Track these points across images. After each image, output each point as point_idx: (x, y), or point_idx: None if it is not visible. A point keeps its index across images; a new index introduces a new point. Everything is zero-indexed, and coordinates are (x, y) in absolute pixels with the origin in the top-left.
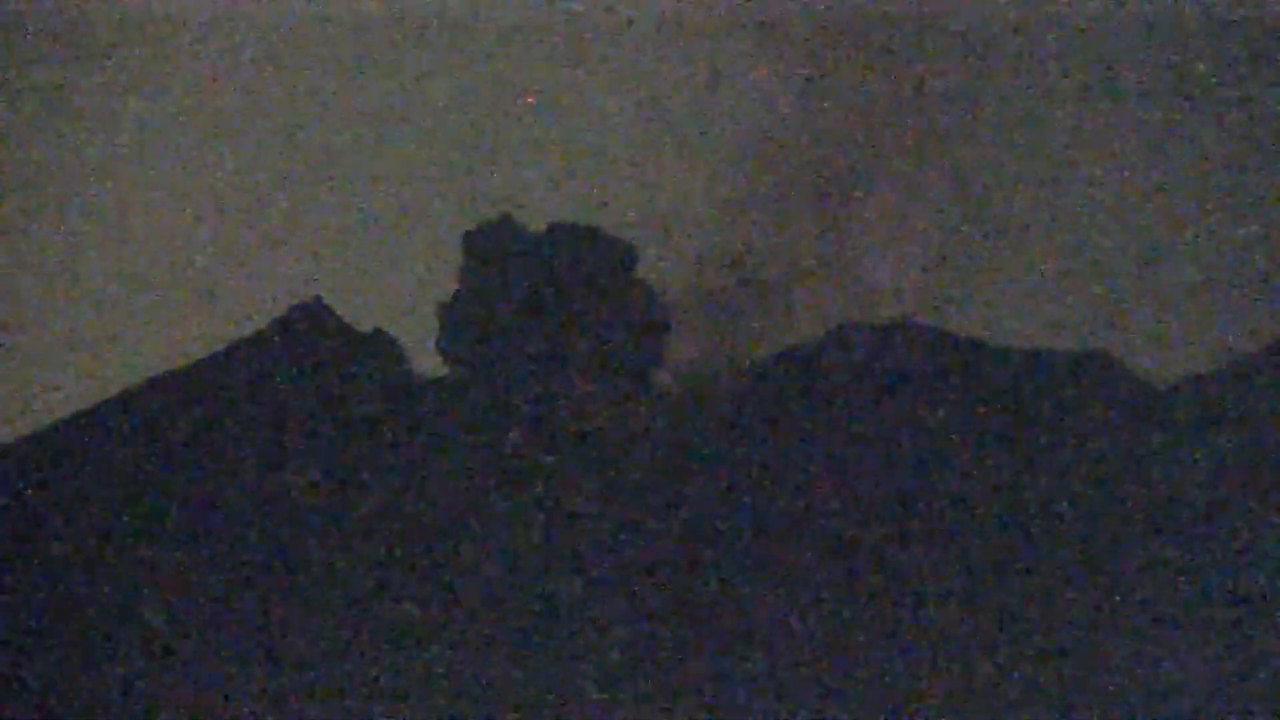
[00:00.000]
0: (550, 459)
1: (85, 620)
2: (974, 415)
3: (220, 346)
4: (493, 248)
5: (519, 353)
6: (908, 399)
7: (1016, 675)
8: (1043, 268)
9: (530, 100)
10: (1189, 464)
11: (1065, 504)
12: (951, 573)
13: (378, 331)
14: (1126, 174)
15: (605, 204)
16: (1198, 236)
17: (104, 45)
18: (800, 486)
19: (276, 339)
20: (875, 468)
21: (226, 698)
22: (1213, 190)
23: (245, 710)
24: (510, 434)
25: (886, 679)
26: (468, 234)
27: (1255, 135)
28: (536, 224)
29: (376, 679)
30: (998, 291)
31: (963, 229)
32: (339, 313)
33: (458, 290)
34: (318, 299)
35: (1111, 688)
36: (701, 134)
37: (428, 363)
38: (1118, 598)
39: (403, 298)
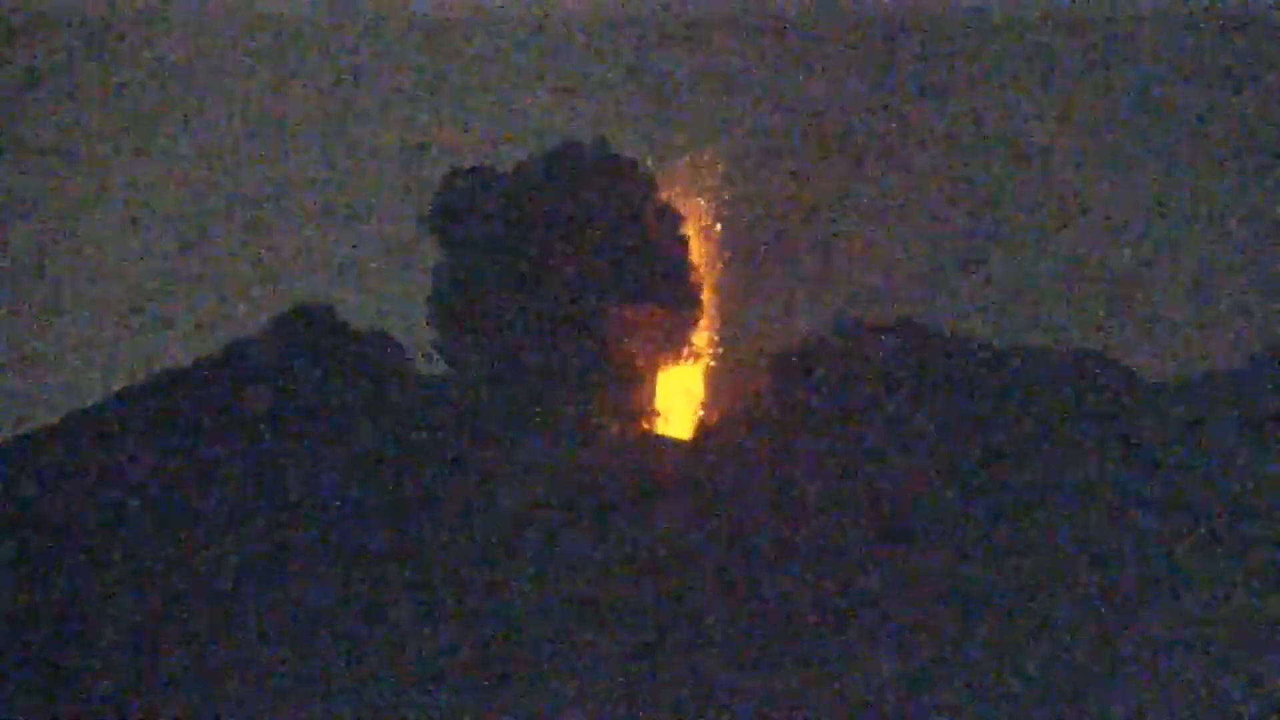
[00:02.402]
0: (554, 460)
1: (84, 620)
2: (973, 415)
3: (220, 346)
4: (477, 233)
5: (521, 349)
6: (907, 399)
7: (1015, 675)
8: (1042, 268)
9: (531, 100)
10: (1189, 464)
11: (1064, 504)
12: (949, 573)
13: (378, 331)
14: (1126, 174)
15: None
16: (1198, 236)
17: (104, 46)
18: (798, 485)
19: (276, 339)
20: (873, 467)
21: (224, 697)
22: (1212, 190)
23: (242, 710)
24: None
25: (885, 678)
26: (436, 216)
27: (1255, 135)
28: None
29: (373, 679)
30: (998, 291)
31: (963, 229)
32: (339, 313)
33: (442, 282)
34: (318, 299)
35: (1110, 688)
36: (700, 134)
37: (428, 363)
38: (1117, 597)
39: (403, 298)
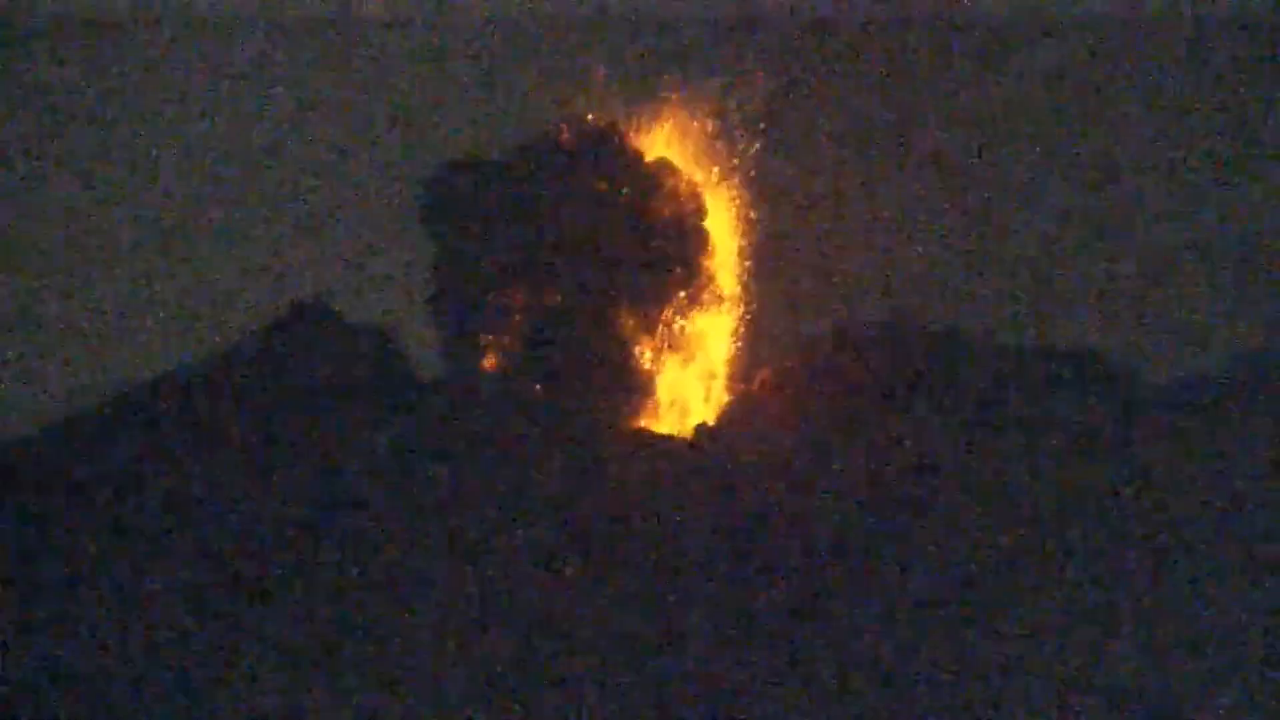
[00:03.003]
0: (556, 459)
1: (84, 620)
2: (973, 415)
3: (220, 347)
4: (472, 229)
5: (523, 347)
6: (908, 399)
7: (1014, 676)
8: (1043, 268)
9: (533, 97)
10: (1189, 464)
11: (1064, 504)
12: (949, 573)
13: (378, 331)
14: (1126, 175)
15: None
16: (1197, 236)
17: (104, 45)
18: (798, 486)
19: (276, 339)
20: (874, 467)
21: (223, 699)
22: (1212, 190)
23: (241, 710)
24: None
25: (883, 678)
26: (427, 206)
27: (1254, 135)
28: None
29: (373, 678)
30: (998, 291)
31: (963, 229)
32: (339, 313)
33: (442, 282)
34: (318, 299)
35: (1110, 688)
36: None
37: (428, 363)
38: (1117, 598)
39: (403, 298)
